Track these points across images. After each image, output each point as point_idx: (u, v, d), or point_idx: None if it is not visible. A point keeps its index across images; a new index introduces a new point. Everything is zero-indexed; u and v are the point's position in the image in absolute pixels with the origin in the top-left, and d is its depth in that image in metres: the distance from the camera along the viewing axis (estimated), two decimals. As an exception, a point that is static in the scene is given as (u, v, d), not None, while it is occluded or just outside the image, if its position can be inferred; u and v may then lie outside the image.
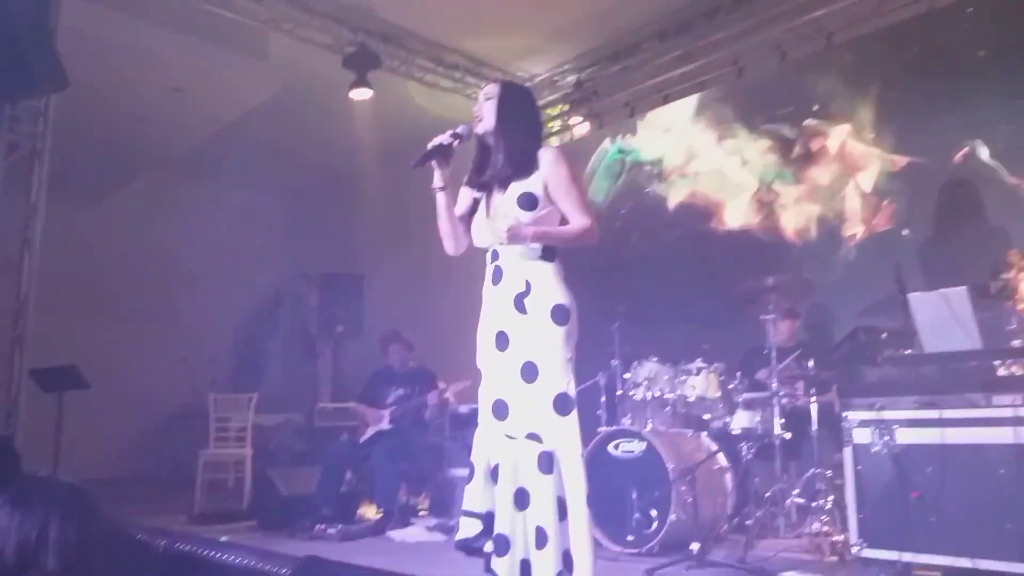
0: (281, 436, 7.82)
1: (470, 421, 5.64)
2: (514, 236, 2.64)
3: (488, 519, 2.67)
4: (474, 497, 2.72)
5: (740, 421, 4.39)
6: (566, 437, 2.63)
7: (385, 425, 5.76)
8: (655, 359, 4.64)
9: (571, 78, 7.26)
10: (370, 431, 5.81)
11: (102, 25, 6.18)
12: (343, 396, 7.79)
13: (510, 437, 2.66)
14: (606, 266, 6.26)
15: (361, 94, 6.62)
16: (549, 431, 2.62)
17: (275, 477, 5.80)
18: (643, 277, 6.36)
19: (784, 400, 4.31)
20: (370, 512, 5.79)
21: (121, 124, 7.65)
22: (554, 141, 7.67)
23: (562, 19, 6.38)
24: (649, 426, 4.45)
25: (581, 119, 7.63)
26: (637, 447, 4.26)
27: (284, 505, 5.56)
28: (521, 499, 2.60)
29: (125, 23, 6.28)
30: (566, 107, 7.57)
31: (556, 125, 7.79)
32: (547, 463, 2.59)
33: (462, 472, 5.47)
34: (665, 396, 4.52)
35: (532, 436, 2.63)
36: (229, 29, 6.31)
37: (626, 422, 4.69)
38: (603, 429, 4.74)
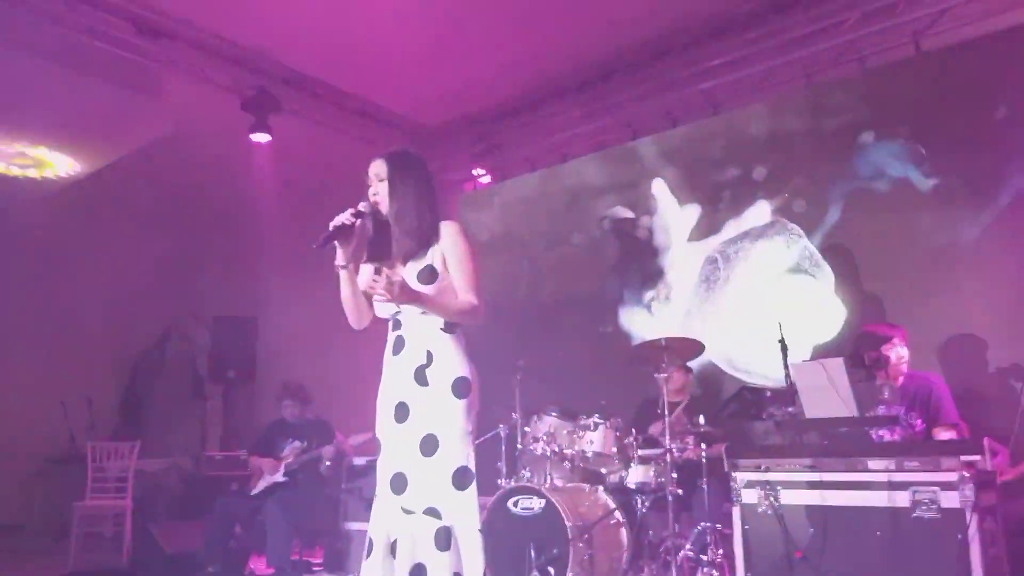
0: (165, 484, 7.47)
1: (367, 473, 5.55)
2: (403, 290, 2.58)
3: (386, 595, 2.63)
4: (372, 573, 2.67)
5: (635, 476, 4.47)
6: (464, 512, 2.63)
7: (279, 477, 5.58)
8: (554, 413, 4.69)
9: (474, 130, 7.32)
10: (262, 483, 5.62)
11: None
12: (233, 444, 7.50)
13: (408, 511, 2.64)
14: (509, 319, 6.33)
15: (261, 137, 6.50)
16: (447, 506, 2.62)
17: (157, 532, 5.53)
18: (545, 331, 6.45)
19: (676, 454, 4.42)
20: (260, 568, 5.58)
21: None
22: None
23: (466, 72, 6.44)
24: (549, 482, 4.49)
25: (484, 171, 7.72)
26: (536, 504, 4.29)
27: (167, 563, 5.30)
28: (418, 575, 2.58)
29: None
30: (468, 158, 7.62)
31: (459, 175, 7.84)
32: (444, 539, 2.58)
33: (359, 526, 5.39)
34: (564, 451, 4.56)
35: (430, 511, 2.61)
36: (120, 65, 6.08)
37: (525, 475, 4.73)
38: (503, 482, 4.76)
